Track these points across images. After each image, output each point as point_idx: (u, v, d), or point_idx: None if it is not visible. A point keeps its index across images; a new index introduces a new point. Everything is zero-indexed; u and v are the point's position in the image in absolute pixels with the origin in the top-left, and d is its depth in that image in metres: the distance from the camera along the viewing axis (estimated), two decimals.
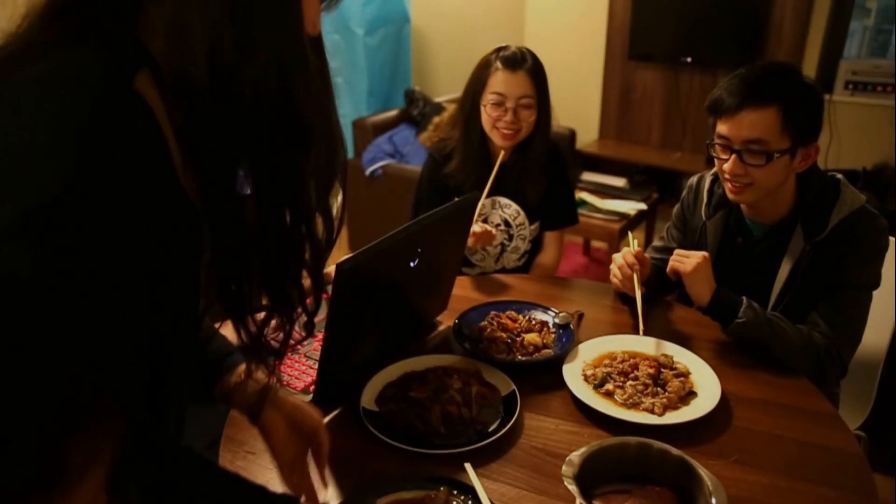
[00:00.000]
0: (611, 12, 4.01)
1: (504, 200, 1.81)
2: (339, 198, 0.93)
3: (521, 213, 1.82)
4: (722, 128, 1.31)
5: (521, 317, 1.40)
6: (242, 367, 0.92)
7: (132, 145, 0.56)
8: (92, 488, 0.36)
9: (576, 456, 0.92)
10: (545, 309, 1.43)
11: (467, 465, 0.98)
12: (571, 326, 1.36)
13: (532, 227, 1.84)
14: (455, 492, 0.93)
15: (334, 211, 0.75)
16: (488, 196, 1.76)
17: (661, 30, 3.84)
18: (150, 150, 0.59)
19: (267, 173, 0.65)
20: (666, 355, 1.27)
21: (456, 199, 1.26)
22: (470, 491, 0.93)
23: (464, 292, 1.54)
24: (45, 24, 0.59)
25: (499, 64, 1.69)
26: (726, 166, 1.31)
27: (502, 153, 1.70)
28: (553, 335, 1.35)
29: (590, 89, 4.21)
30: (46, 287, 0.46)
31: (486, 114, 1.70)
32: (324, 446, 0.93)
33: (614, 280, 1.47)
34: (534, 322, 1.39)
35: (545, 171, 1.79)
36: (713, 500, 0.85)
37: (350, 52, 3.68)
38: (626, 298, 1.49)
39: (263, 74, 0.61)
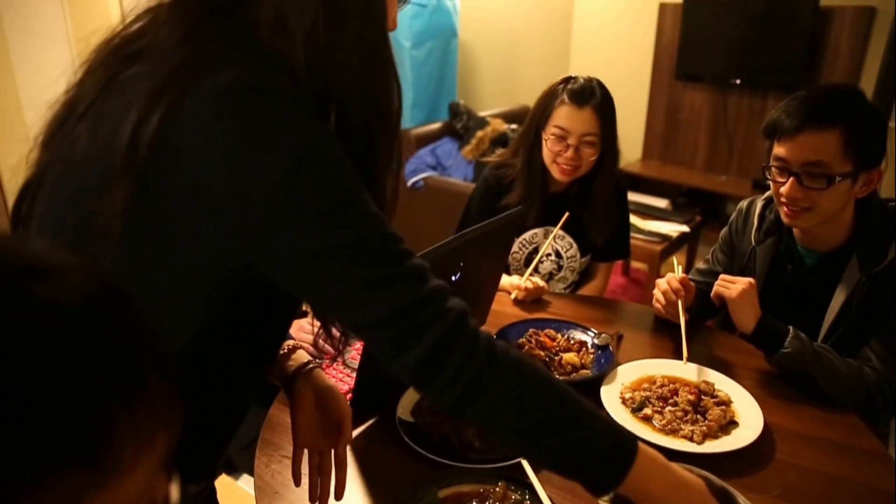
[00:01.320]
0: (659, 31, 3.98)
1: (558, 231, 1.75)
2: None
3: (574, 245, 1.78)
4: (780, 150, 1.29)
5: (559, 336, 1.39)
6: (289, 342, 1.00)
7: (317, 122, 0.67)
8: (144, 476, 0.37)
9: None
10: (584, 329, 1.42)
11: (524, 462, 0.99)
12: (611, 348, 1.34)
13: (583, 259, 1.81)
14: (513, 487, 0.96)
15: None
16: (541, 225, 1.73)
17: (710, 50, 3.79)
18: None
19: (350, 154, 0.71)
20: (707, 382, 1.24)
21: (500, 216, 1.26)
22: (527, 487, 0.95)
23: (503, 308, 1.54)
24: (183, 27, 0.68)
25: (565, 97, 1.61)
26: (783, 189, 1.29)
27: (566, 214, 1.64)
28: (591, 356, 1.34)
29: (635, 108, 4.18)
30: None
31: (547, 148, 1.64)
32: (346, 435, 0.94)
33: (657, 306, 1.44)
34: (572, 342, 1.37)
35: (612, 213, 1.73)
36: None
37: (396, 63, 3.73)
38: (666, 323, 1.47)
39: (349, 60, 0.70)
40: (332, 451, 0.94)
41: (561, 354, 1.32)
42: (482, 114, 3.81)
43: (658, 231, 3.15)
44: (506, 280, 1.61)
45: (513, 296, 1.59)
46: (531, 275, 1.63)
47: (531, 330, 1.39)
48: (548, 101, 1.65)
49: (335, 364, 1.27)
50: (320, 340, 1.30)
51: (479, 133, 3.59)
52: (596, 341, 1.37)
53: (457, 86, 4.16)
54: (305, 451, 0.95)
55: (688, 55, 3.86)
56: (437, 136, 3.69)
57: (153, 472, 0.38)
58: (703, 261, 1.66)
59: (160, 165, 0.63)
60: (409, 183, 3.39)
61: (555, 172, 1.66)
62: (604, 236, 1.75)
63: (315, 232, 0.63)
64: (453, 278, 1.15)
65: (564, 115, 1.61)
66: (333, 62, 0.69)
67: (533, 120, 1.68)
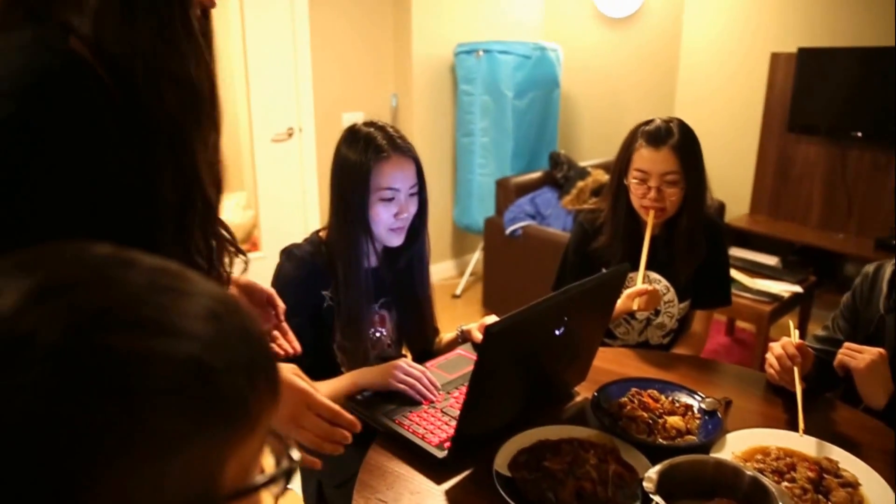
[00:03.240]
0: (770, 81, 3.84)
1: (654, 275, 1.75)
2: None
3: (671, 289, 1.75)
4: None
5: (663, 397, 1.34)
6: None
7: (64, 76, 0.70)
8: (261, 438, 0.42)
9: (653, 472, 0.99)
10: (690, 392, 1.35)
11: None
12: (719, 414, 1.28)
13: (681, 305, 1.76)
14: None
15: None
16: (633, 269, 1.72)
17: (826, 101, 3.60)
18: (81, 78, 0.72)
19: (165, 128, 0.75)
20: (830, 459, 1.15)
21: (605, 270, 1.25)
22: None
23: (604, 364, 1.50)
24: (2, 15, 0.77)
25: (642, 140, 1.65)
26: None
27: (649, 230, 1.65)
28: (698, 421, 1.27)
29: (743, 161, 4.03)
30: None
31: (632, 192, 1.68)
32: (278, 307, 1.11)
33: (770, 371, 1.36)
34: (677, 404, 1.31)
35: (697, 249, 1.71)
36: None
37: (498, 113, 3.80)
38: (779, 390, 1.38)
39: (149, 37, 0.73)
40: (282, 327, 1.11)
41: (665, 417, 1.26)
42: (583, 164, 3.80)
43: (767, 290, 2.97)
44: (620, 303, 1.59)
45: (635, 306, 1.58)
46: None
47: (633, 389, 1.35)
48: (628, 146, 1.70)
49: (433, 412, 1.28)
50: (420, 385, 1.33)
51: (580, 183, 3.57)
52: (703, 405, 1.31)
53: (558, 135, 4.18)
54: None
55: (802, 106, 3.69)
56: (537, 185, 3.70)
57: (265, 435, 0.43)
58: (821, 327, 1.56)
59: None
60: (508, 231, 3.41)
61: (643, 215, 1.68)
62: (686, 271, 1.72)
63: None
64: (557, 332, 1.14)
65: (643, 158, 1.65)
66: (129, 38, 0.72)
67: (616, 166, 1.73)
